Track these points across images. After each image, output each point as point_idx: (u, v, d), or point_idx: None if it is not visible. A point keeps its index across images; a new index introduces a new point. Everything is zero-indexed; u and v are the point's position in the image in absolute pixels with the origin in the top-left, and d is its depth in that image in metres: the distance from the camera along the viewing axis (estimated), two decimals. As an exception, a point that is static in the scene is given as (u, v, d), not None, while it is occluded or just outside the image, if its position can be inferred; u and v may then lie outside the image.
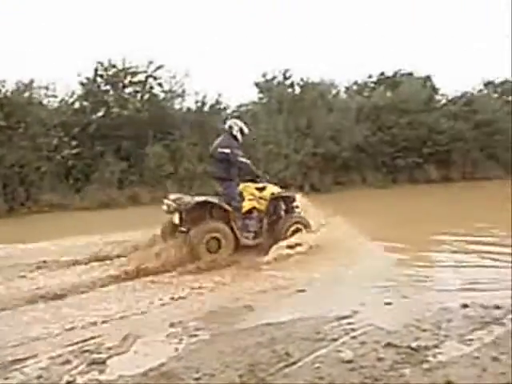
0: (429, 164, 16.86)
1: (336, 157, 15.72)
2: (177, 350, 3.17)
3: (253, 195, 6.08)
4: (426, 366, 3.02)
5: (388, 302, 4.25)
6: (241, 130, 6.04)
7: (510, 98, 19.65)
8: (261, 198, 6.09)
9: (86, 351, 3.17)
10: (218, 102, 15.41)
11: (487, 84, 19.85)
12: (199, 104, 15.25)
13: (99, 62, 14.30)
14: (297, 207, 6.33)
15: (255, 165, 6.37)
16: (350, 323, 3.68)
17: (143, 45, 27.66)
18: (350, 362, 3.03)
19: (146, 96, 14.72)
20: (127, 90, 14.53)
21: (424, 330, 3.66)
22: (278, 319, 3.64)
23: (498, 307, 4.24)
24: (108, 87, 14.39)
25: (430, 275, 5.08)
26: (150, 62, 14.63)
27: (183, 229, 5.78)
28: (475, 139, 17.49)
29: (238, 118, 8.12)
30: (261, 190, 6.12)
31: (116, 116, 13.71)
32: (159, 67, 14.81)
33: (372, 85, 19.04)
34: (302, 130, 15.78)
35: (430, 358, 3.19)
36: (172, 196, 5.99)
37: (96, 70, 14.31)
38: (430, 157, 16.88)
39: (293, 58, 28.38)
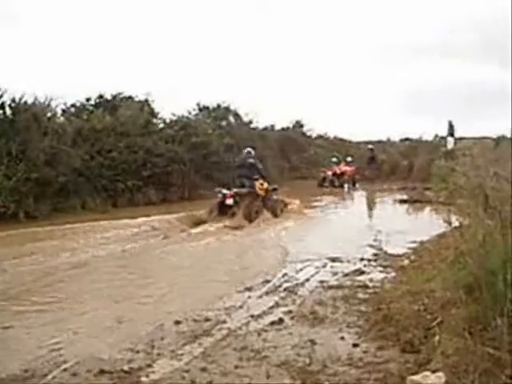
0: (148, 186, 19.99)
1: (53, 182, 17.36)
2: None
3: (261, 187, 13.95)
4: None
5: (107, 325, 5.32)
6: (250, 152, 14.59)
7: (222, 123, 25.44)
8: (263, 189, 14.03)
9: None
10: None
11: (202, 109, 25.25)
12: None
13: None
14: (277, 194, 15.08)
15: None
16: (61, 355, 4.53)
17: None
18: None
19: None
20: None
21: (138, 352, 4.60)
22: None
23: (207, 319, 5.53)
24: None
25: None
26: None
27: (234, 207, 13.28)
28: (191, 161, 21.54)
29: None
30: (262, 184, 14.03)
31: None
32: None
33: (91, 108, 21.53)
34: (15, 155, 17.71)
35: (143, 379, 4.01)
36: (224, 190, 13.68)
37: None
38: (149, 179, 20.00)
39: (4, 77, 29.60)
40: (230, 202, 13.29)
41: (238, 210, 13.10)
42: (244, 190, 13.62)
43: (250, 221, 13.01)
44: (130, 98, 22.67)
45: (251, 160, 14.29)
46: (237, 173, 14.45)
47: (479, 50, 51.22)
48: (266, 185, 14.20)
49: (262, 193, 13.97)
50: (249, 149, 14.78)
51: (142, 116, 21.40)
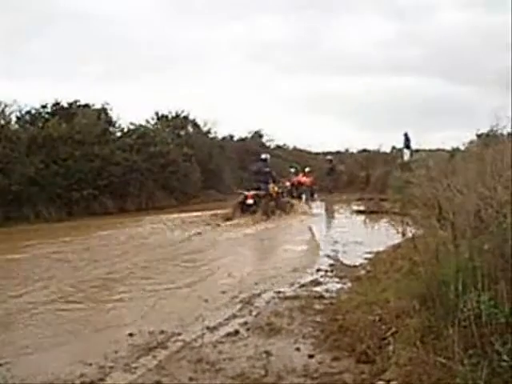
0: (105, 196, 19.77)
1: (5, 190, 17.03)
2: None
3: (273, 190, 17.18)
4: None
5: (62, 341, 5.28)
6: (265, 160, 17.73)
7: (181, 132, 25.33)
8: (275, 192, 17.28)
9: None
10: None
11: (161, 118, 25.10)
12: None
13: None
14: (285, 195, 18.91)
15: None
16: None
17: None
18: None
19: None
20: None
21: (90, 365, 4.55)
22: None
23: (162, 332, 5.47)
24: None
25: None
26: None
27: (254, 206, 16.14)
28: (149, 170, 21.46)
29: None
30: (273, 188, 17.23)
31: None
32: None
33: (46, 115, 21.08)
34: (-37, 163, 17.24)
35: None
36: (245, 192, 16.68)
37: None
38: (105, 188, 19.73)
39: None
40: (250, 201, 16.29)
41: (256, 208, 16.19)
42: (262, 192, 16.71)
43: (268, 217, 16.07)
44: (86, 106, 22.32)
45: (266, 169, 17.52)
46: (254, 178, 17.63)
47: (426, 64, 52.48)
48: (276, 188, 17.62)
49: (274, 195, 17.34)
50: (263, 156, 18.22)
51: (98, 124, 21.13)
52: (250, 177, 18.38)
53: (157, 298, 7.07)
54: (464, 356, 3.14)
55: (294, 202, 19.39)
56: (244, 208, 16.28)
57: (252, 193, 16.52)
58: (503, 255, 3.49)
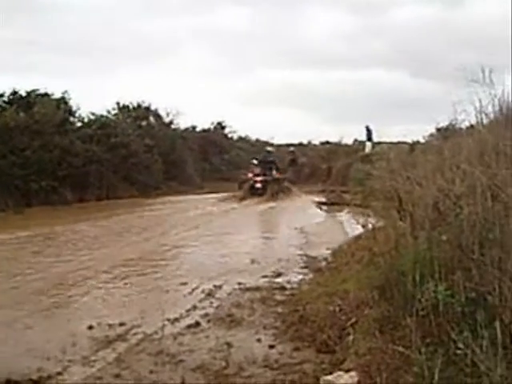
0: (65, 186, 19.36)
1: None
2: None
3: (277, 176, 21.51)
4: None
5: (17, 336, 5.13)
6: (270, 152, 23.49)
7: (143, 123, 25.05)
8: (278, 178, 21.62)
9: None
10: None
11: (122, 108, 24.73)
12: None
13: None
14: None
15: None
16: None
17: None
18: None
19: None
20: None
21: (48, 359, 4.50)
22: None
23: (122, 324, 5.40)
24: None
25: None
26: None
27: (261, 190, 20.57)
28: (110, 161, 21.13)
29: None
30: (277, 174, 21.67)
31: None
32: None
33: (3, 104, 20.42)
34: None
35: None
36: (250, 175, 21.38)
37: None
38: (65, 179, 19.38)
39: None
40: (259, 185, 20.79)
41: (264, 191, 20.58)
42: (269, 178, 21.13)
43: (274, 198, 20.19)
44: (46, 95, 21.66)
45: (271, 158, 22.64)
46: (260, 165, 21.92)
47: (391, 58, 53.23)
48: (279, 175, 21.90)
49: (280, 179, 21.83)
50: (269, 149, 24.37)
51: (58, 114, 20.60)
52: (258, 164, 22.35)
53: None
54: (421, 345, 3.19)
55: (293, 188, 22.66)
56: (253, 191, 20.65)
57: (260, 178, 20.89)
58: (460, 246, 3.56)
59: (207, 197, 21.50)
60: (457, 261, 3.54)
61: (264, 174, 21.16)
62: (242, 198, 20.06)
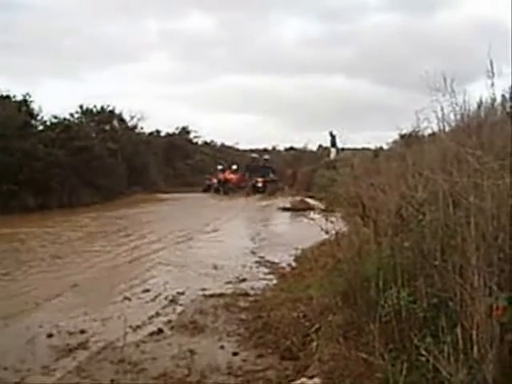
0: (26, 192, 18.83)
1: None
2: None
3: (273, 178, 27.51)
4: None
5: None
6: (267, 159, 29.60)
7: (106, 127, 24.74)
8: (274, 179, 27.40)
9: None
10: None
11: (85, 112, 24.34)
12: None
13: None
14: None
15: None
16: None
17: None
18: None
19: None
20: None
21: (5, 369, 4.34)
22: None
23: (83, 331, 5.32)
24: None
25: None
26: None
27: (261, 188, 26.12)
28: (72, 166, 20.91)
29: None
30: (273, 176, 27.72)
31: None
32: None
33: None
34: None
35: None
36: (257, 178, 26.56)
37: None
38: (26, 184, 18.73)
39: None
40: (260, 185, 26.09)
41: (264, 189, 25.74)
42: (268, 179, 26.62)
43: (272, 196, 24.29)
44: (7, 97, 21.16)
45: (267, 164, 28.53)
46: (260, 170, 27.46)
47: (356, 65, 53.96)
48: (274, 177, 27.18)
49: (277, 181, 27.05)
50: (266, 157, 30.09)
51: (19, 117, 20.14)
52: (257, 169, 27.84)
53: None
54: (384, 351, 3.20)
55: (285, 187, 26.38)
56: (255, 189, 25.77)
57: (261, 179, 26.14)
58: (422, 252, 3.59)
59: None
60: (419, 267, 3.57)
61: (263, 176, 26.61)
62: (247, 195, 25.41)
